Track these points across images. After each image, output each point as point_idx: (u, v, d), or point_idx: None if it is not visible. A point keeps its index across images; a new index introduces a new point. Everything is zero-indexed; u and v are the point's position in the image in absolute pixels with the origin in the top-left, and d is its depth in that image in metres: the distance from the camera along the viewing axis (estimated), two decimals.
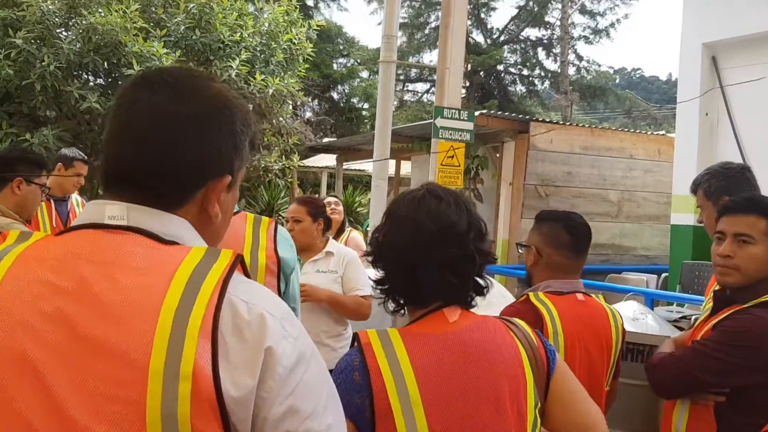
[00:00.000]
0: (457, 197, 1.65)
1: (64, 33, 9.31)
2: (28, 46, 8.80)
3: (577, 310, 2.39)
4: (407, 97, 22.27)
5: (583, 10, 21.08)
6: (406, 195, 1.68)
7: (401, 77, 21.96)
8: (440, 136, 5.31)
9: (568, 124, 8.38)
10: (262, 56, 11.60)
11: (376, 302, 3.83)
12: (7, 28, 8.98)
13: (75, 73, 9.72)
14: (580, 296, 2.44)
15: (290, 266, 2.00)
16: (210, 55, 11.09)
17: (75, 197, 4.85)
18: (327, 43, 18.69)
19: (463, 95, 22.70)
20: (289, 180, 12.51)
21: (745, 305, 2.22)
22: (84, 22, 9.18)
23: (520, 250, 2.62)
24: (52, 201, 4.59)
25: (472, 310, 1.68)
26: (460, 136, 5.41)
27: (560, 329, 2.31)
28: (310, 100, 19.05)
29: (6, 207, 2.72)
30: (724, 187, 2.84)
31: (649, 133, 8.69)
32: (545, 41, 21.06)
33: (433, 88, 22.41)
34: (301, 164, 12.67)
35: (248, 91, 10.82)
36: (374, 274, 1.71)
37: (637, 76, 62.14)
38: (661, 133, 8.92)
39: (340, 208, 5.14)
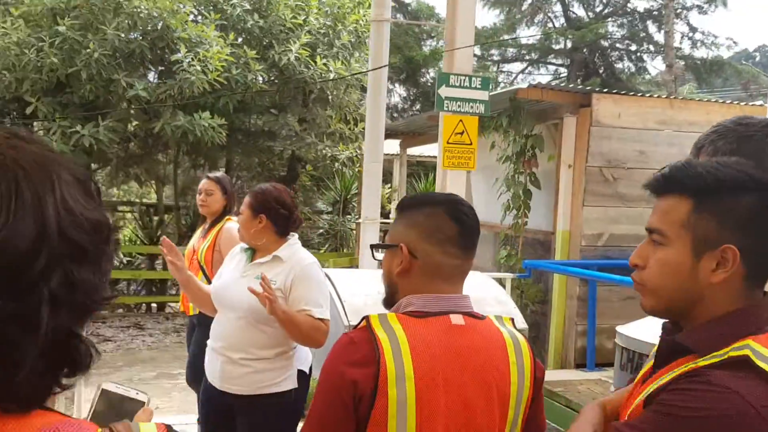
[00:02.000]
0: (8, 171, 0.75)
1: (116, 19, 9.06)
2: (72, 33, 8.63)
3: (448, 341, 1.57)
4: (501, 78, 21.02)
5: None
6: None
7: (495, 57, 20.82)
8: (446, 109, 4.43)
9: (639, 95, 7.19)
10: (326, 39, 11.03)
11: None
12: (56, 16, 8.88)
13: (131, 60, 9.53)
14: (456, 318, 1.61)
15: None
16: (271, 39, 10.63)
17: None
18: (414, 25, 17.93)
19: (564, 74, 21.30)
20: (358, 169, 11.88)
21: (701, 362, 1.21)
22: (130, 6, 8.92)
23: (377, 257, 1.78)
24: None
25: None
26: (472, 108, 4.51)
27: (409, 371, 1.51)
28: (393, 85, 18.38)
29: None
30: (734, 151, 1.86)
31: (742, 104, 7.33)
32: (655, 12, 19.23)
33: (529, 68, 21.13)
34: None
35: (308, 76, 10.29)
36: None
37: None
38: (758, 103, 7.52)
39: (216, 195, 4.30)
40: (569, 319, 6.78)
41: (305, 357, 3.11)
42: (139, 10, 8.87)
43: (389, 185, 13.25)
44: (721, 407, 1.12)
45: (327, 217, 13.67)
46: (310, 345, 2.97)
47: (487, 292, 3.98)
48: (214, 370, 3.01)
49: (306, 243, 15.47)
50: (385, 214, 14.43)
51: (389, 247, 1.70)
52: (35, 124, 10.94)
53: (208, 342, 3.10)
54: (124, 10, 8.90)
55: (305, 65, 10.27)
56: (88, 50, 8.59)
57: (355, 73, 10.38)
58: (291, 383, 2.96)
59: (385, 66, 4.29)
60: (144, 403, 0.99)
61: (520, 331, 1.73)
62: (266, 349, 2.92)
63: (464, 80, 4.45)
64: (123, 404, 0.97)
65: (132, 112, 9.75)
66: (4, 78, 9.14)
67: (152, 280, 11.65)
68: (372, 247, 1.77)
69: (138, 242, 13.31)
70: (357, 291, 3.33)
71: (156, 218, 12.92)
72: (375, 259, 1.77)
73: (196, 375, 3.79)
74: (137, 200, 15.36)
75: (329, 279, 3.35)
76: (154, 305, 11.44)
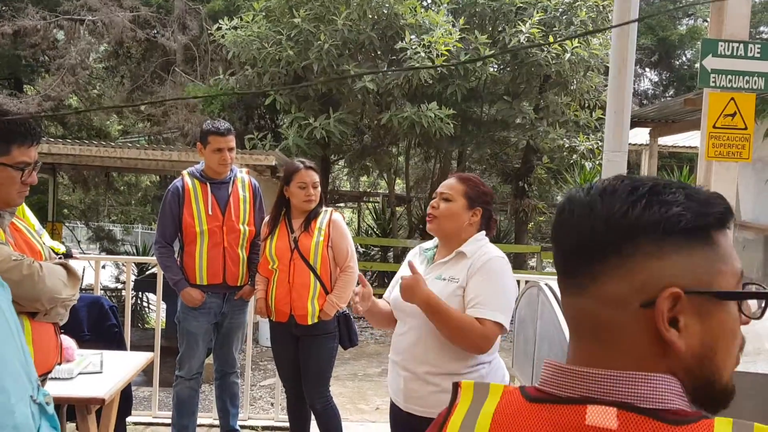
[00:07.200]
0: None
1: (347, 10, 9.06)
2: (307, 25, 8.76)
3: None
4: None
5: None
6: None
7: (765, 34, 17.91)
8: (712, 84, 3.43)
9: None
10: (563, 17, 10.12)
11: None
12: (292, 9, 9.08)
13: (362, 51, 9.50)
14: (596, 414, 0.82)
15: None
16: (504, 22, 10.00)
17: (242, 176, 4.20)
18: (669, 1, 16.08)
19: None
20: (598, 162, 10.80)
21: None
22: None
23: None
24: (207, 183, 4.04)
25: None
26: (747, 83, 3.45)
27: None
28: (641, 69, 16.64)
29: None
30: None
31: None
32: None
33: None
34: None
35: (541, 59, 9.48)
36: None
37: None
38: None
39: (320, 187, 3.83)
40: None
41: (503, 375, 2.58)
42: None
43: None
44: None
45: None
46: (465, 347, 2.43)
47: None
48: (397, 388, 2.60)
49: (543, 238, 14.63)
50: None
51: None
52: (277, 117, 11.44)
53: (389, 356, 2.67)
54: (355, 0, 8.83)
55: (538, 47, 9.48)
56: (320, 42, 8.65)
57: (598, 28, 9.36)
58: None
59: (633, 21, 3.43)
60: None
61: None
62: (456, 361, 2.45)
63: (737, 48, 3.42)
64: None
65: (365, 105, 9.70)
66: (248, 73, 9.60)
67: (384, 272, 11.62)
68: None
69: (372, 234, 13.49)
70: None
71: (388, 210, 12.95)
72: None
73: None
74: (372, 192, 15.62)
75: (553, 292, 2.68)
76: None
